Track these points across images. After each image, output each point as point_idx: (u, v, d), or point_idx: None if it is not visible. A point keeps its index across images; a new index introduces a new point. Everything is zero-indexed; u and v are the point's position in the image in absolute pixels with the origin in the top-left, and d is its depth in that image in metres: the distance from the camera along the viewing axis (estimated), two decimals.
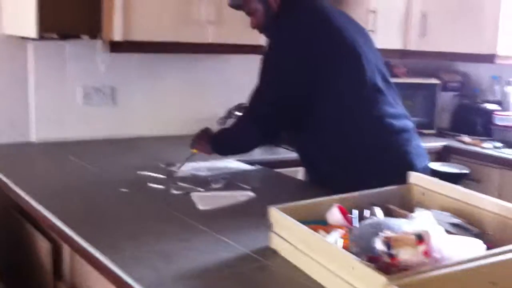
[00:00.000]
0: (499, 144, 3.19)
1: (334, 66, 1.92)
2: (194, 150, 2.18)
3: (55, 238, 1.94)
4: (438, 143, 3.24)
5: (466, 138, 3.30)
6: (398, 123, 1.97)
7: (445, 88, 3.54)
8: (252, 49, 2.67)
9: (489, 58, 3.18)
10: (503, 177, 2.95)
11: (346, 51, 1.93)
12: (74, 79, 2.62)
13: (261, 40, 2.62)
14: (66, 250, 1.98)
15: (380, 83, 1.97)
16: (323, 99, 1.91)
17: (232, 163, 2.34)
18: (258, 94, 1.98)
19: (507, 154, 3.05)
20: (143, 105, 2.81)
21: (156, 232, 1.53)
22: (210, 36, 2.55)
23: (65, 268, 2.04)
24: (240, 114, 2.39)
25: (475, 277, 1.10)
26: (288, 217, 1.36)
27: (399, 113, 2.00)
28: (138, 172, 2.10)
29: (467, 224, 1.39)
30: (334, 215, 1.43)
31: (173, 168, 2.16)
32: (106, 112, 2.72)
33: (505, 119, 3.30)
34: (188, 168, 2.17)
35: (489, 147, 3.16)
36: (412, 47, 3.30)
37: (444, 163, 3.05)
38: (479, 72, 3.62)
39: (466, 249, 1.17)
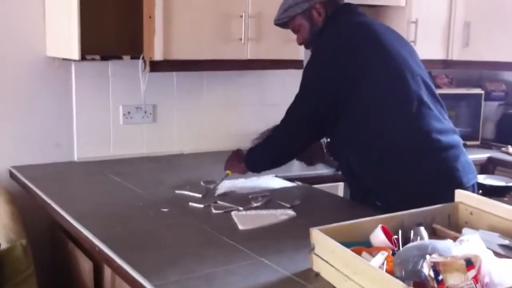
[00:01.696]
0: None
1: (378, 78, 1.90)
2: (229, 172, 2.19)
3: (97, 258, 1.96)
4: (482, 155, 3.15)
5: (511, 149, 3.20)
6: (445, 138, 1.92)
7: (489, 97, 3.45)
8: (291, 64, 2.67)
9: None
10: None
11: (391, 64, 1.91)
12: (115, 98, 2.65)
13: (300, 54, 2.63)
14: (107, 270, 1.99)
15: (426, 96, 1.93)
16: (367, 112, 1.89)
17: (272, 180, 2.33)
18: (296, 103, 1.98)
19: None
20: (183, 122, 2.83)
21: (197, 255, 1.52)
22: (249, 53, 2.56)
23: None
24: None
25: None
26: (330, 239, 1.33)
27: (446, 128, 1.95)
28: (178, 191, 2.11)
29: None
30: (378, 236, 1.39)
31: (211, 186, 2.16)
32: (146, 130, 2.75)
33: None
34: (228, 185, 2.17)
35: None
36: (455, 57, 3.23)
37: (489, 176, 2.96)
38: None
39: None
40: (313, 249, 1.40)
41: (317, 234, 1.38)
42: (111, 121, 2.67)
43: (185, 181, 2.25)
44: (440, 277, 1.10)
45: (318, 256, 1.38)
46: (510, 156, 3.14)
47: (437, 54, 3.21)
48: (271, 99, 3.01)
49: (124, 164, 2.58)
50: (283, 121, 2.04)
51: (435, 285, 1.10)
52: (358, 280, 1.22)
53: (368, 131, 1.91)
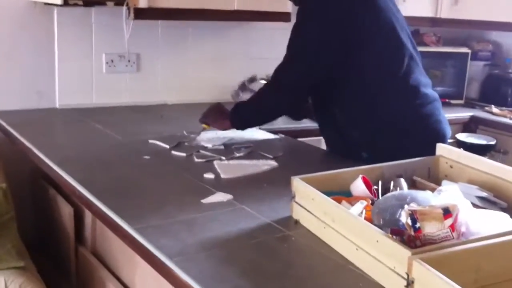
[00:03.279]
0: None
1: (371, 34, 1.88)
2: (205, 126, 2.16)
3: (77, 203, 1.96)
4: (465, 114, 3.17)
5: (494, 109, 3.22)
6: (430, 92, 1.97)
7: (475, 57, 3.44)
8: (278, 16, 2.63)
9: None
10: None
11: (382, 19, 1.89)
12: (98, 46, 2.60)
13: (288, 7, 2.59)
14: (87, 215, 2.00)
15: (413, 51, 1.93)
16: (361, 69, 1.87)
17: (255, 132, 2.32)
18: (286, 61, 1.94)
19: None
20: (167, 73, 2.79)
21: (179, 201, 1.53)
22: (236, 3, 2.51)
23: (86, 233, 2.06)
24: (263, 83, 2.35)
25: (503, 252, 1.07)
26: (311, 188, 1.34)
27: (429, 82, 2.00)
28: (160, 140, 2.09)
29: (495, 197, 1.35)
30: (358, 186, 1.40)
31: (192, 136, 2.15)
32: (130, 79, 2.72)
33: None
34: (210, 136, 2.16)
35: None
36: (443, 15, 3.19)
37: (471, 134, 2.99)
38: (510, 41, 3.51)
39: (493, 224, 1.14)
40: (293, 197, 1.41)
41: (298, 183, 1.39)
42: (94, 69, 2.62)
43: (168, 131, 2.23)
44: (418, 225, 1.11)
45: (298, 204, 1.39)
46: (493, 116, 3.16)
47: (425, 11, 3.17)
48: (258, 53, 2.96)
49: (106, 113, 2.55)
50: (273, 80, 2.01)
51: (412, 233, 1.11)
52: (337, 228, 1.24)
53: (362, 87, 1.90)
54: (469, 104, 3.37)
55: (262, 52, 2.94)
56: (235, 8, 2.53)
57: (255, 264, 1.20)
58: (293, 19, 1.97)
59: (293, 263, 1.23)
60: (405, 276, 1.02)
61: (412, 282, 1.00)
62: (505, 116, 3.13)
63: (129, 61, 2.68)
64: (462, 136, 2.90)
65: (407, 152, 1.62)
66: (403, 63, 1.90)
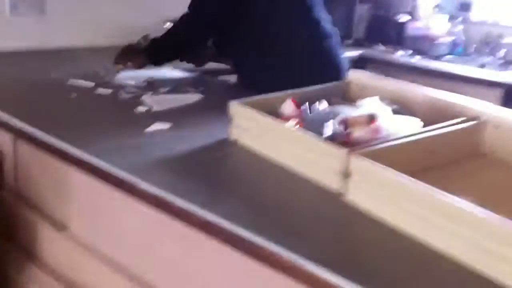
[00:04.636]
0: (410, 52, 3.47)
1: None
2: (120, 66, 2.22)
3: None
4: (355, 52, 3.47)
5: (380, 47, 3.55)
6: (329, 27, 2.18)
7: (361, 0, 3.73)
8: None
9: None
10: None
11: None
12: None
13: None
14: (9, 158, 1.98)
15: None
16: (267, 6, 2.03)
17: (172, 71, 2.41)
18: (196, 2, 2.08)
19: (417, 60, 3.34)
20: (74, 14, 2.76)
21: (121, 131, 1.60)
22: None
23: (8, 179, 2.05)
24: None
25: (416, 147, 1.31)
26: (249, 109, 1.50)
27: (329, 19, 2.20)
28: (72, 79, 2.11)
29: (403, 108, 1.59)
30: (289, 107, 1.58)
31: (111, 76, 2.19)
32: (34, 23, 2.66)
33: (415, 29, 3.57)
34: (130, 75, 2.22)
35: (401, 55, 3.43)
36: None
37: (362, 71, 3.27)
38: None
39: (407, 126, 1.37)
40: (231, 120, 1.55)
41: (235, 106, 1.54)
42: None
43: (84, 73, 2.24)
44: (349, 130, 1.31)
45: (237, 125, 1.54)
46: (378, 53, 3.49)
47: None
48: None
49: (14, 57, 2.50)
50: (188, 12, 2.11)
51: (344, 137, 1.31)
52: (277, 141, 1.41)
53: (268, 24, 2.07)
54: (357, 43, 3.67)
55: None
56: None
57: (209, 173, 1.34)
58: None
59: (241, 171, 1.40)
60: (343, 171, 1.22)
61: (349, 173, 1.20)
62: (389, 53, 3.47)
63: (33, 3, 2.62)
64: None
65: (311, 82, 1.77)
66: (307, 1, 2.08)
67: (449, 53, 3.52)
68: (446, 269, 0.96)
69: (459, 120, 1.42)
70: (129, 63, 2.23)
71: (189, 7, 2.12)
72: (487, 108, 1.47)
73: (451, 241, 0.99)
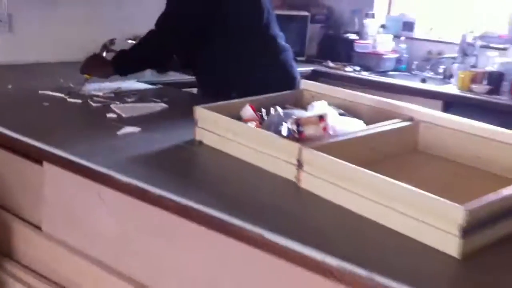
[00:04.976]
0: (358, 68, 3.73)
1: None
2: (88, 75, 2.34)
3: None
4: (308, 68, 3.70)
5: (330, 64, 3.80)
6: (283, 42, 2.41)
7: (313, 20, 3.99)
8: None
9: None
10: None
11: None
12: None
13: None
14: None
15: (270, 7, 2.33)
16: (225, 22, 2.23)
17: (135, 84, 2.56)
18: (167, 12, 2.25)
19: (364, 75, 3.61)
20: (40, 31, 2.89)
21: (94, 136, 1.75)
22: None
23: None
24: (131, 43, 2.61)
25: (360, 144, 1.51)
26: (213, 112, 1.67)
27: (283, 36, 2.43)
28: (41, 91, 2.22)
29: (348, 113, 1.80)
30: (248, 111, 1.76)
31: (78, 87, 2.32)
32: (2, 40, 2.78)
33: (363, 46, 3.83)
34: (95, 87, 2.35)
35: (350, 71, 3.69)
36: None
37: None
38: (341, 6, 4.11)
39: (352, 126, 1.57)
40: (196, 123, 1.72)
41: (200, 110, 1.71)
42: None
43: (52, 86, 2.35)
44: (301, 129, 1.50)
45: (201, 128, 1.71)
46: (330, 69, 3.74)
47: None
48: (130, 10, 3.17)
49: None
50: (156, 26, 2.27)
51: (297, 135, 1.50)
52: (238, 139, 1.58)
53: (233, 39, 2.28)
54: (309, 60, 3.92)
55: (135, 8, 3.15)
56: None
57: (179, 169, 1.51)
58: None
59: (208, 166, 1.60)
60: (296, 163, 1.41)
61: (302, 164, 1.39)
62: (339, 69, 3.72)
63: (1, 21, 2.74)
64: None
65: (268, 91, 1.96)
66: (263, 16, 2.30)
67: (394, 69, 3.79)
68: (376, 232, 1.17)
69: (396, 120, 1.63)
70: (96, 73, 2.36)
71: (156, 25, 2.28)
72: (421, 111, 1.68)
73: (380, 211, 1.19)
